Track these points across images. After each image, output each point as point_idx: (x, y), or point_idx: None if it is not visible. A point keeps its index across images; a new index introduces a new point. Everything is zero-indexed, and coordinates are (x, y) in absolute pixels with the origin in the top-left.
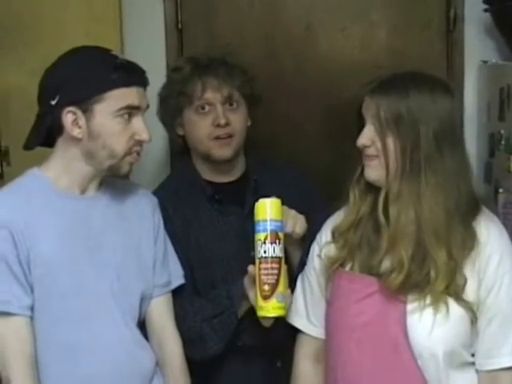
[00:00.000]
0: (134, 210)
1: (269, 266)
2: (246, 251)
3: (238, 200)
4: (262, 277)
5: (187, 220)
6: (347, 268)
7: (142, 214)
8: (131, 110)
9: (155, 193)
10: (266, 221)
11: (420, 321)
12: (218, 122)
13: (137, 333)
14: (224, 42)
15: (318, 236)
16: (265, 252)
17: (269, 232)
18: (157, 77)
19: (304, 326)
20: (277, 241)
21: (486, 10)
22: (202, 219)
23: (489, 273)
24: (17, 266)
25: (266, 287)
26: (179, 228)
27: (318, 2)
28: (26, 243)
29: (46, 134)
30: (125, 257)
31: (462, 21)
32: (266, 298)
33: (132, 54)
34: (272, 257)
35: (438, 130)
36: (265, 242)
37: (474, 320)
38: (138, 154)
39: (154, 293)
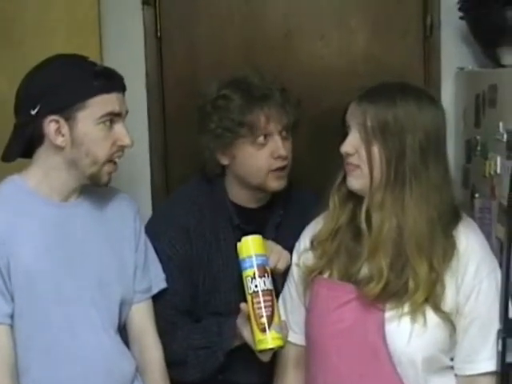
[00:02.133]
0: (114, 215)
1: (262, 299)
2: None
3: (258, 229)
4: (257, 311)
5: (207, 243)
6: (325, 275)
7: (123, 219)
8: (113, 117)
9: (175, 206)
10: (251, 257)
11: (398, 329)
12: (278, 154)
13: (116, 339)
14: (203, 50)
15: (296, 244)
16: (256, 287)
17: (256, 267)
18: (136, 84)
19: None
20: (265, 274)
21: (461, 18)
22: (220, 244)
23: (467, 279)
24: None
25: (263, 320)
26: (197, 251)
27: (297, 10)
28: (5, 252)
29: (26, 145)
30: (105, 263)
31: (439, 28)
32: (263, 330)
33: (111, 61)
34: (263, 290)
35: (424, 140)
36: (254, 277)
37: (451, 329)
38: (115, 163)
39: (134, 298)
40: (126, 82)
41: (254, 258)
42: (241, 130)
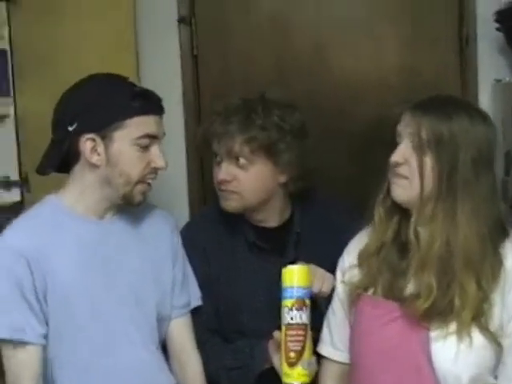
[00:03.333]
0: (151, 232)
1: (295, 332)
2: (278, 302)
3: (278, 249)
4: (288, 343)
5: (223, 263)
6: (370, 292)
7: (160, 235)
8: (149, 139)
9: (192, 226)
10: (292, 288)
11: (444, 348)
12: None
13: (156, 355)
14: (237, 66)
15: (340, 261)
16: (291, 319)
17: (295, 299)
18: (173, 102)
19: (329, 352)
20: (303, 308)
21: (498, 29)
22: (238, 264)
23: (511, 297)
24: (32, 295)
25: (292, 354)
26: (215, 270)
27: (327, 23)
28: (42, 271)
29: (62, 160)
30: (143, 280)
31: (475, 39)
32: (291, 364)
33: (148, 80)
34: (298, 324)
35: (477, 155)
36: (291, 309)
37: (498, 349)
38: (149, 184)
39: (173, 314)
40: (163, 99)
41: (295, 290)
42: None
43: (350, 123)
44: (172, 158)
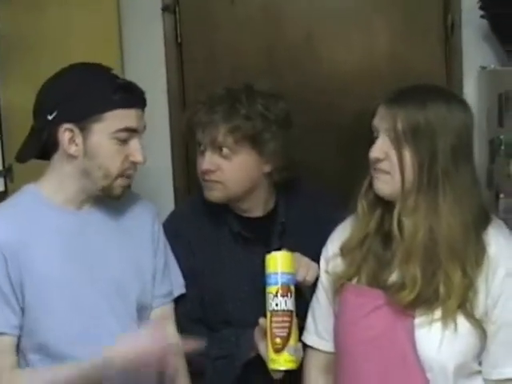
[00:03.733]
0: (132, 221)
1: (280, 319)
2: (263, 291)
3: (263, 238)
4: (274, 330)
5: (208, 254)
6: (354, 281)
7: (141, 224)
8: (129, 133)
9: (176, 217)
10: (276, 274)
11: (429, 335)
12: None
13: None
14: (223, 55)
15: (323, 250)
16: (276, 305)
17: (280, 285)
18: (158, 91)
19: (314, 341)
20: (288, 294)
21: (482, 17)
22: (223, 254)
23: (496, 283)
24: (6, 286)
25: (278, 340)
26: (199, 262)
27: (317, 13)
28: (19, 262)
29: (41, 148)
30: (124, 270)
31: (460, 27)
32: (277, 351)
33: (132, 69)
34: (283, 310)
35: (455, 142)
36: (276, 295)
37: (482, 335)
38: (129, 177)
39: (154, 303)
40: (147, 88)
41: (279, 275)
42: None
43: (338, 116)
44: (157, 147)
